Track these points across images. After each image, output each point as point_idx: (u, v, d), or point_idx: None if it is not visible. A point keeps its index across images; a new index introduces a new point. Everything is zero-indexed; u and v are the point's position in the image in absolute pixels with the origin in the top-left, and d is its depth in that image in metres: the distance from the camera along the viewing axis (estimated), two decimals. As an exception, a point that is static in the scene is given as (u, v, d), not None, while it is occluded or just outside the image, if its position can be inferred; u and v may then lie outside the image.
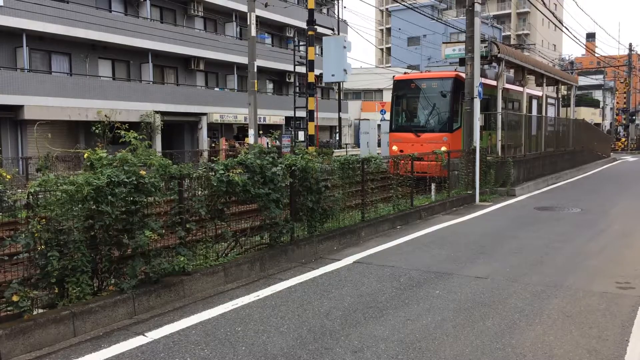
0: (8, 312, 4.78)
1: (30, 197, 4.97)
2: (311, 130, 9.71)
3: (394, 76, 19.89)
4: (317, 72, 20.41)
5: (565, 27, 40.51)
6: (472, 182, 14.21)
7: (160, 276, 5.79)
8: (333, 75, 9.82)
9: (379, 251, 8.37)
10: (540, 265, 7.50)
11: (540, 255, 8.05)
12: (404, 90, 18.49)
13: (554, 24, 55.59)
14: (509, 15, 77.54)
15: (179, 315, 5.45)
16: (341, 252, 8.28)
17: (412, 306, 5.71)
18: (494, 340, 4.76)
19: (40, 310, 5.00)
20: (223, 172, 6.77)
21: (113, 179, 5.40)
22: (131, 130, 6.43)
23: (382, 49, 79.11)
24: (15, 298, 4.64)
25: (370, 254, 8.18)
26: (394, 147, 17.19)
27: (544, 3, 24.80)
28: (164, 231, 5.98)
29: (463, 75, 15.58)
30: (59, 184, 5.08)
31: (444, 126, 17.08)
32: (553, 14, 32.30)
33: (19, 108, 23.77)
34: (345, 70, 9.75)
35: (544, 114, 22.70)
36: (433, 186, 13.23)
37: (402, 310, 5.59)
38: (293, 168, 7.85)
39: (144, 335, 4.93)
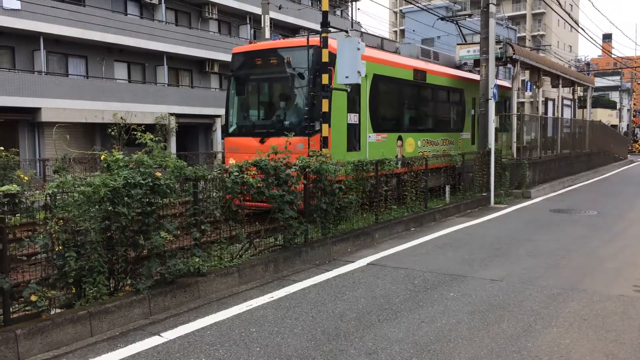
0: (26, 312, 4.85)
1: (48, 198, 5.04)
2: (325, 132, 9.70)
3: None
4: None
5: (581, 28, 40.19)
6: (487, 184, 14.13)
7: (176, 277, 5.83)
8: (347, 77, 9.75)
9: (393, 253, 8.35)
10: (556, 268, 7.44)
11: (556, 258, 7.98)
12: (245, 69, 12.24)
13: (569, 24, 55.13)
14: (524, 16, 76.96)
15: (194, 316, 5.48)
16: (355, 254, 8.27)
17: (426, 308, 5.69)
18: (510, 343, 4.73)
19: (58, 310, 5.06)
20: (237, 173, 6.81)
21: (129, 181, 5.45)
22: (147, 132, 6.49)
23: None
24: (33, 298, 4.70)
25: (384, 255, 8.16)
26: (231, 161, 10.66)
27: (559, 4, 24.64)
28: (179, 232, 6.02)
29: (333, 42, 10.28)
30: (76, 186, 5.15)
31: (300, 126, 10.85)
32: (569, 14, 32.05)
33: (36, 110, 24.06)
34: (359, 72, 9.70)
35: (559, 115, 22.49)
36: (447, 188, 13.18)
37: (417, 312, 5.57)
38: (307, 170, 7.87)
39: (159, 335, 4.97)
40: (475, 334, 4.96)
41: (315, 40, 10.62)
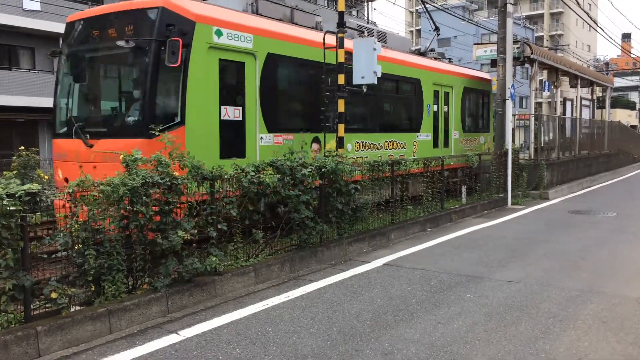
0: (46, 309, 4.92)
1: (68, 197, 5.11)
2: (341, 132, 9.72)
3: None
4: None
5: (600, 28, 39.71)
6: (504, 185, 14.03)
7: (193, 276, 5.88)
8: (363, 77, 9.74)
9: (409, 254, 8.33)
10: (574, 269, 7.36)
11: (574, 260, 7.89)
12: (77, 44, 8.94)
13: (588, 24, 54.50)
14: (541, 15, 76.21)
15: (211, 315, 5.52)
16: (371, 254, 8.26)
17: (442, 309, 5.67)
18: (527, 346, 4.70)
19: (77, 308, 5.12)
20: (254, 173, 6.85)
21: (147, 180, 5.51)
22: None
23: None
24: (53, 295, 4.77)
25: (400, 256, 8.14)
26: (59, 173, 8.60)
27: (577, 3, 24.32)
28: (196, 231, 6.07)
29: (182, 4, 8.07)
30: (95, 185, 5.21)
31: (137, 125, 7.84)
32: (587, 14, 31.64)
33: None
34: (375, 72, 9.69)
35: (578, 115, 22.25)
36: (464, 189, 13.12)
37: (433, 313, 5.55)
38: (323, 170, 7.88)
39: (177, 333, 5.01)
40: (492, 335, 4.93)
41: (154, 1, 7.82)
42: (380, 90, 12.05)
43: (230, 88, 8.86)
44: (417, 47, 15.39)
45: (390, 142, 12.56)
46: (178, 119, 7.87)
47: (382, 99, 12.66)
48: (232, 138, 8.68)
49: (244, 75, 8.92)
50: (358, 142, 11.41)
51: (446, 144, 15.12)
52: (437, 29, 16.37)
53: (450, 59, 17.78)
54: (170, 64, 7.46)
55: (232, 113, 8.69)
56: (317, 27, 11.24)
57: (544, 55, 17.72)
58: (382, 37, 13.24)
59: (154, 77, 7.74)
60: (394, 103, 13.37)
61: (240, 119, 8.85)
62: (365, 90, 10.27)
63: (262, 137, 9.15)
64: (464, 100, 16.04)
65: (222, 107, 8.50)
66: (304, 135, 10.11)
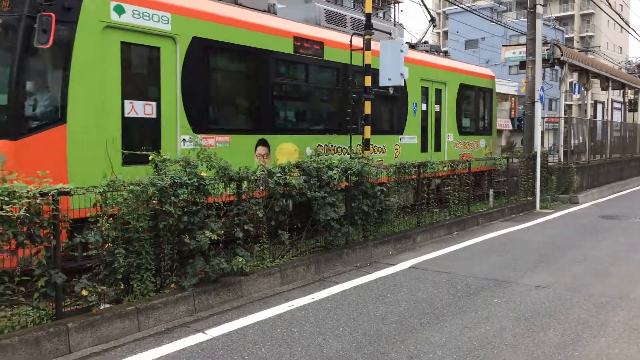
0: (77, 306, 5.02)
1: (99, 196, 5.21)
2: (367, 134, 9.70)
3: None
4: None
5: (632, 29, 38.80)
6: (532, 189, 13.83)
7: (219, 276, 5.93)
8: (390, 79, 9.72)
9: (435, 257, 8.27)
10: (605, 275, 7.22)
11: (605, 266, 7.74)
12: None
13: (619, 25, 53.39)
14: (572, 16, 74.92)
15: (237, 314, 5.56)
16: (396, 257, 8.23)
17: (469, 313, 5.61)
18: (556, 352, 4.62)
19: (106, 305, 5.22)
20: (280, 174, 6.88)
21: (176, 180, 5.59)
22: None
23: (438, 53, 78.02)
24: (84, 292, 4.87)
25: (426, 259, 8.09)
26: None
27: (609, 4, 23.91)
28: (222, 232, 6.12)
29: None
30: (125, 184, 5.30)
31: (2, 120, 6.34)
32: (619, 15, 31.07)
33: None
34: (402, 74, 9.66)
35: (609, 118, 21.81)
36: (491, 192, 12.97)
37: (459, 317, 5.50)
38: (349, 172, 7.88)
39: (203, 332, 5.06)
40: (520, 341, 4.87)
41: None
42: (353, 86, 10.34)
43: (139, 78, 7.39)
44: (407, 41, 12.80)
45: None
46: (58, 116, 6.40)
47: (352, 95, 10.46)
48: (141, 140, 7.07)
49: (159, 63, 7.38)
50: (321, 146, 9.46)
51: (437, 148, 13.29)
52: (432, 19, 14.53)
53: (446, 52, 15.76)
54: (39, 45, 5.96)
55: (140, 109, 7.16)
56: (270, 10, 9.58)
57: (574, 57, 17.42)
58: (358, 23, 11.28)
59: (23, 63, 6.20)
60: (373, 101, 11.06)
61: (154, 116, 7.32)
62: (391, 92, 10.21)
63: (184, 139, 7.60)
64: (461, 98, 14.19)
65: (126, 101, 6.97)
66: (246, 137, 8.57)
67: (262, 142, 8.78)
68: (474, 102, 15.25)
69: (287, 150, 9.13)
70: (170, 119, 7.49)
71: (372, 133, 10.24)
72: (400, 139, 11.80)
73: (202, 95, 7.97)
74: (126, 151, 6.75)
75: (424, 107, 12.73)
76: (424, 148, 12.78)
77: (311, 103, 10.42)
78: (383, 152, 11.32)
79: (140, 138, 7.13)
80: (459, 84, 14.15)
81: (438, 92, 13.17)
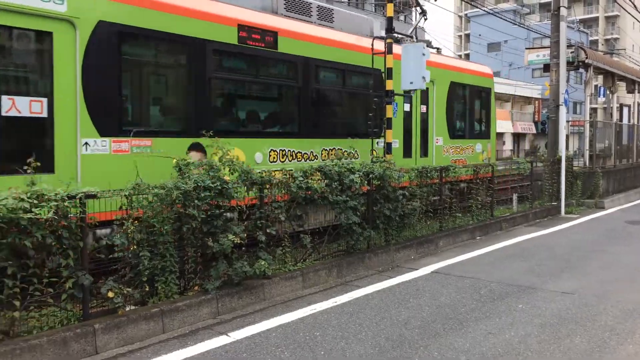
0: (103, 308, 5.10)
1: (125, 199, 5.29)
2: (389, 138, 9.68)
3: None
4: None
5: (660, 30, 38.05)
6: (557, 193, 13.65)
7: (242, 279, 5.96)
8: (411, 82, 9.68)
9: (458, 262, 8.20)
10: (631, 282, 7.08)
11: (631, 272, 7.60)
12: None
13: (647, 27, 52.46)
14: (596, 19, 73.88)
15: (260, 318, 5.59)
16: (418, 262, 8.18)
17: (493, 319, 5.55)
18: (582, 359, 4.55)
19: (132, 307, 5.28)
20: (302, 178, 6.90)
21: (199, 184, 5.64)
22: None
23: (460, 55, 77.58)
24: (110, 294, 4.94)
25: (448, 264, 8.03)
26: None
27: (634, 6, 23.49)
28: (245, 235, 6.16)
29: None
30: (150, 188, 5.37)
31: None
32: (646, 16, 30.47)
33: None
34: (424, 77, 9.60)
35: (635, 122, 21.41)
36: (515, 197, 12.84)
37: (483, 323, 5.45)
38: (370, 176, 7.87)
39: (227, 335, 5.09)
40: (545, 347, 4.80)
41: None
42: (317, 82, 9.50)
43: (22, 70, 6.17)
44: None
45: (331, 149, 9.61)
46: None
47: (320, 94, 9.61)
48: (26, 143, 6.03)
49: (52, 52, 6.17)
50: (276, 151, 8.60)
51: (424, 153, 12.03)
52: (423, 12, 12.24)
53: (438, 49, 13.83)
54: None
55: (24, 107, 5.96)
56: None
57: (599, 60, 17.17)
58: (326, 14, 10.25)
59: None
60: (337, 99, 10.31)
61: (45, 115, 6.13)
62: (412, 94, 10.13)
63: (87, 143, 6.43)
64: (452, 98, 12.86)
65: (5, 97, 5.83)
66: (173, 141, 7.31)
67: (196, 147, 7.52)
68: (469, 103, 13.79)
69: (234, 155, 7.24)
70: (66, 118, 6.27)
71: (341, 136, 9.64)
72: (378, 143, 10.23)
73: (112, 91, 6.73)
74: None
75: (406, 107, 11.40)
76: (407, 153, 11.46)
77: (261, 102, 9.11)
78: (356, 158, 9.83)
79: (24, 141, 6.03)
80: (450, 82, 12.82)
81: (424, 91, 11.49)
